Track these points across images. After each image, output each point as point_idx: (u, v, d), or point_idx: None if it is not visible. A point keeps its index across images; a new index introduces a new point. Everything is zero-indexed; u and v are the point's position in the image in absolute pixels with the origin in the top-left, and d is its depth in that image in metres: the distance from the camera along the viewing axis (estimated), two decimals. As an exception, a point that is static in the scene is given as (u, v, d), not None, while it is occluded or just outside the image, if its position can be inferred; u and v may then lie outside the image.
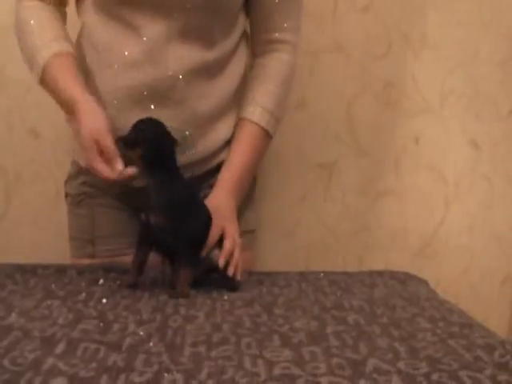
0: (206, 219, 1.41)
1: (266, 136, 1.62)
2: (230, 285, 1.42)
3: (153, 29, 1.45)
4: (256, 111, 1.59)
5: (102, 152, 1.34)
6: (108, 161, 1.34)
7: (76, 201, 1.65)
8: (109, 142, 1.34)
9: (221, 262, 1.40)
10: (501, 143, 2.09)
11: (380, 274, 1.66)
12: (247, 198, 1.68)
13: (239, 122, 1.61)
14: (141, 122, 1.35)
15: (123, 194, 1.60)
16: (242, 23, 1.61)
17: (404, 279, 1.63)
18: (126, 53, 1.46)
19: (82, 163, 1.61)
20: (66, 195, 1.70)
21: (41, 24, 1.48)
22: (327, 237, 2.09)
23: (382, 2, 2.00)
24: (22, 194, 2.02)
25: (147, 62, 1.46)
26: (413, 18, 2.00)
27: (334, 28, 1.97)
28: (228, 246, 1.43)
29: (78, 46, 1.56)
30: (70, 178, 1.69)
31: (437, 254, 2.15)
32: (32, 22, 1.48)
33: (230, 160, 1.59)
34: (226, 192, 1.55)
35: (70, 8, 1.56)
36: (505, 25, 2.04)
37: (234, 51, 1.59)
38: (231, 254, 1.43)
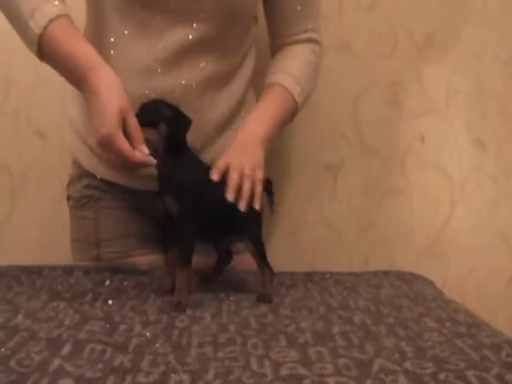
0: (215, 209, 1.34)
1: (292, 100, 1.57)
2: (261, 295, 1.37)
3: (171, 37, 1.42)
4: (279, 75, 1.57)
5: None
6: (133, 143, 1.24)
7: (79, 204, 1.64)
8: (134, 121, 1.25)
9: (229, 196, 1.32)
10: (506, 142, 2.08)
11: (386, 274, 1.66)
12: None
13: (268, 86, 1.58)
14: (152, 102, 1.32)
15: (128, 194, 1.60)
16: (253, 32, 1.61)
17: (410, 279, 1.63)
18: (140, 60, 1.43)
19: (84, 164, 1.61)
20: (69, 198, 1.69)
21: None
22: (333, 236, 2.09)
23: (387, 0, 1.99)
24: (27, 195, 2.02)
25: (161, 70, 1.43)
26: (418, 17, 2.00)
27: (340, 27, 1.97)
28: (233, 177, 1.35)
29: None
30: (73, 180, 1.67)
31: (443, 253, 2.14)
32: None
33: (256, 111, 1.53)
34: (251, 133, 1.48)
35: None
36: (510, 24, 2.04)
37: (243, 59, 1.59)
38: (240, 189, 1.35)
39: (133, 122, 1.25)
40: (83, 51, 1.29)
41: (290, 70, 1.58)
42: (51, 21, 1.27)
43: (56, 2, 1.29)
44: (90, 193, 1.62)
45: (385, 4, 1.98)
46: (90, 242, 1.62)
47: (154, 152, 1.28)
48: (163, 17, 1.41)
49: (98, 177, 1.60)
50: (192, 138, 1.38)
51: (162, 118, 1.28)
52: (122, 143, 1.22)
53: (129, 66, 1.41)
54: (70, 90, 1.58)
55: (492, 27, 2.02)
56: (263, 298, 1.34)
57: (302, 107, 1.62)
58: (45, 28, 1.27)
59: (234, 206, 1.32)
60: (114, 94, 1.25)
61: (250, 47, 1.63)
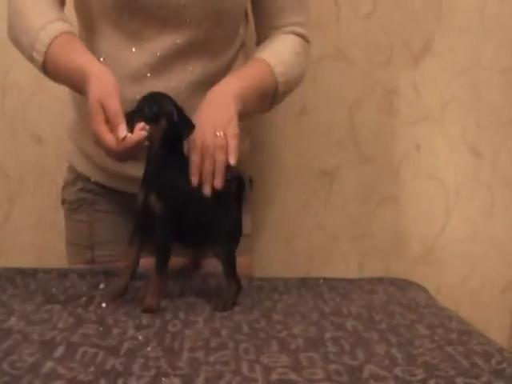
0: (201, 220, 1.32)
1: (272, 76, 1.52)
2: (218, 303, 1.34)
3: (160, 43, 1.44)
4: (263, 53, 1.54)
5: (107, 120, 1.26)
6: (112, 128, 1.25)
7: (74, 207, 1.64)
8: (114, 105, 1.25)
9: (193, 181, 1.30)
10: (502, 151, 2.09)
11: (380, 280, 1.66)
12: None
13: (252, 60, 1.55)
14: (158, 95, 1.30)
15: (122, 198, 1.60)
16: (242, 32, 1.61)
17: (403, 286, 1.63)
18: (130, 65, 1.45)
19: (79, 169, 1.62)
20: (63, 201, 1.69)
21: (39, 6, 1.41)
22: (328, 243, 2.10)
23: (384, 9, 2.00)
24: (24, 199, 2.03)
25: (150, 74, 1.45)
26: (415, 26, 2.01)
27: (337, 35, 1.98)
28: (194, 159, 1.32)
29: None
30: (68, 184, 1.68)
31: (437, 261, 2.14)
32: (28, 3, 1.42)
33: (231, 74, 1.52)
34: (226, 87, 1.44)
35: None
36: (507, 33, 2.04)
37: (233, 60, 1.59)
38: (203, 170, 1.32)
39: (111, 107, 1.25)
40: (78, 59, 1.35)
41: (276, 50, 1.56)
42: (49, 45, 1.36)
43: (50, 26, 1.38)
44: (85, 196, 1.63)
45: (381, 12, 1.99)
46: (85, 245, 1.63)
47: (149, 145, 1.27)
48: (151, 24, 1.42)
49: (92, 180, 1.61)
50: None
51: (164, 114, 1.27)
52: (100, 131, 1.25)
53: (119, 71, 1.40)
54: (67, 95, 1.60)
55: (488, 36, 2.03)
56: (220, 306, 1.31)
57: (283, 94, 1.57)
58: (45, 53, 1.36)
59: (215, 217, 1.32)
60: (96, 83, 1.29)
61: (241, 46, 1.62)
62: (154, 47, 1.44)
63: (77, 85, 1.35)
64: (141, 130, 1.23)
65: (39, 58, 1.37)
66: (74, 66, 1.34)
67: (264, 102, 1.55)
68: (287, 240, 2.09)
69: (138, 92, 1.39)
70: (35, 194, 2.00)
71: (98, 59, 1.42)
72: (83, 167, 1.62)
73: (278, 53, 1.55)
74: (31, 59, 1.39)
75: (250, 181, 1.42)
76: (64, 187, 1.70)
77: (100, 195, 1.62)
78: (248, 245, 1.75)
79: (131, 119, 1.25)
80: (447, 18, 2.01)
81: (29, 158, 2.00)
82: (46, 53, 1.36)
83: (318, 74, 1.99)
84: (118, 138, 1.23)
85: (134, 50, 1.44)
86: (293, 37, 1.60)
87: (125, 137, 1.22)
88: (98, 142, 1.27)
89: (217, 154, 1.31)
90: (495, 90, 2.07)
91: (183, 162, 1.32)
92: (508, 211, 2.13)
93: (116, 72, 1.38)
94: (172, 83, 1.45)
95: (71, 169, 1.67)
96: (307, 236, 2.09)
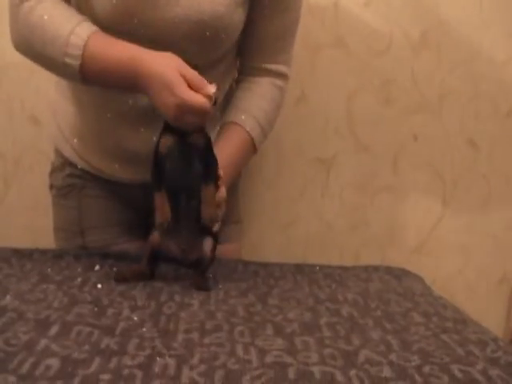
0: None
1: (253, 149, 1.57)
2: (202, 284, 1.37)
3: None
4: (249, 121, 1.54)
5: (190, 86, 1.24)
6: (197, 90, 1.23)
7: (62, 193, 1.64)
8: (192, 71, 1.24)
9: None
10: (499, 143, 2.09)
11: (376, 268, 1.67)
12: (231, 189, 1.57)
13: (229, 126, 1.54)
14: None
15: (111, 182, 1.60)
16: (234, 50, 1.58)
17: (399, 275, 1.63)
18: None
19: (66, 154, 1.62)
20: (51, 187, 1.68)
21: (60, 15, 1.33)
22: (324, 232, 2.10)
23: (383, -2, 2.00)
24: (20, 180, 2.02)
25: None
26: (414, 16, 2.00)
27: (335, 23, 1.97)
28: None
29: None
30: (55, 169, 1.67)
31: (433, 252, 2.15)
32: (46, 16, 1.31)
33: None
34: None
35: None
36: (505, 24, 2.04)
37: (223, 74, 1.57)
38: None
39: (192, 72, 1.24)
40: (123, 53, 1.30)
41: (258, 115, 1.56)
42: (84, 46, 1.29)
43: (79, 28, 1.30)
44: (74, 182, 1.62)
45: (380, 1, 1.98)
46: (74, 231, 1.62)
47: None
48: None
49: (79, 167, 1.60)
50: None
51: None
52: (189, 96, 1.22)
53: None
54: (55, 80, 1.59)
55: (487, 27, 2.03)
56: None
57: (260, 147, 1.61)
58: (82, 56, 1.29)
59: None
60: (162, 61, 1.26)
61: (233, 61, 1.60)
62: None
63: (130, 77, 1.29)
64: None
65: (75, 63, 1.30)
66: (124, 58, 1.29)
67: (245, 163, 1.63)
68: (284, 228, 2.09)
69: (128, 103, 1.43)
70: (31, 175, 2.00)
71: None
72: (70, 153, 1.61)
73: (256, 112, 1.56)
74: (64, 67, 1.32)
75: None
76: (51, 172, 1.69)
77: (88, 180, 1.62)
78: (238, 232, 1.76)
79: None
80: (446, 9, 2.01)
81: (25, 139, 1.99)
82: (82, 56, 1.29)
83: (316, 62, 1.98)
84: (208, 95, 1.23)
85: None
86: (271, 81, 1.59)
87: (214, 92, 1.23)
88: (187, 110, 1.23)
89: None
90: (493, 82, 2.06)
91: None
92: (504, 203, 2.13)
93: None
94: None
95: (58, 153, 1.66)
96: (304, 224, 2.09)
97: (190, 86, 1.23)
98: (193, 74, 1.23)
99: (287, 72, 1.61)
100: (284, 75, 1.61)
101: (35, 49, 1.34)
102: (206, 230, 1.35)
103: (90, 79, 1.33)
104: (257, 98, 1.58)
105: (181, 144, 1.30)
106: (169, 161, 1.30)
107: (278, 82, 1.60)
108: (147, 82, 1.26)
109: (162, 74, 1.23)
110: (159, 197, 1.31)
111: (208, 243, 1.36)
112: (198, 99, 1.22)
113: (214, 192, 1.32)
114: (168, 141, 1.30)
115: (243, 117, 1.54)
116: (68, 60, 1.30)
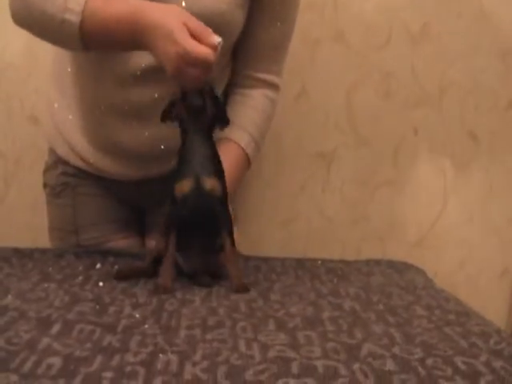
0: None
1: (248, 165, 1.59)
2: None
3: (138, 61, 1.42)
4: (244, 137, 1.55)
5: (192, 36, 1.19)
6: (202, 41, 1.18)
7: (56, 191, 1.64)
8: (196, 21, 1.20)
9: None
10: (499, 135, 2.09)
11: (377, 262, 1.67)
12: None
13: (224, 142, 1.52)
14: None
15: (104, 181, 1.60)
16: (229, 53, 1.58)
17: (401, 268, 1.63)
18: (116, 72, 1.43)
19: (59, 152, 1.62)
20: (45, 185, 1.69)
21: None
22: (325, 226, 2.10)
23: (383, -9, 2.00)
24: (20, 180, 2.03)
25: (135, 83, 1.44)
26: (414, 9, 2.00)
27: (335, 17, 1.97)
28: None
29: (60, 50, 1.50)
30: (49, 167, 1.68)
31: (434, 245, 2.14)
32: None
33: None
34: None
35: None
36: (505, 17, 2.03)
37: (220, 74, 1.57)
38: None
39: (196, 21, 1.20)
40: (124, 8, 1.24)
41: (252, 131, 1.57)
42: (85, 3, 1.25)
43: None
44: (67, 180, 1.63)
45: (380, -6, 1.98)
46: (69, 230, 1.63)
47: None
48: None
49: (71, 163, 1.61)
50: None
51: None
52: (191, 46, 1.17)
53: (105, 76, 1.43)
54: (53, 78, 1.59)
55: (487, 20, 2.02)
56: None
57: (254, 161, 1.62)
58: (83, 12, 1.25)
59: None
60: (165, 10, 1.22)
61: (228, 63, 1.60)
62: (140, 62, 1.43)
63: (131, 32, 1.24)
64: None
65: (75, 19, 1.24)
66: (125, 13, 1.24)
67: (242, 179, 1.63)
68: (284, 223, 2.09)
69: (121, 98, 1.43)
70: (31, 174, 1.99)
71: (86, 60, 1.45)
72: (63, 151, 1.62)
73: (249, 127, 1.57)
74: (63, 27, 1.26)
75: None
76: (45, 171, 1.70)
77: (82, 178, 1.62)
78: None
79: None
80: (446, 2, 2.00)
81: (25, 138, 2.00)
82: (82, 12, 1.24)
83: (316, 56, 1.98)
84: (213, 45, 1.18)
85: (119, 61, 1.43)
86: (263, 92, 1.60)
87: (220, 42, 1.19)
88: (189, 61, 1.18)
89: None
90: (493, 75, 2.06)
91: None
92: (505, 196, 2.13)
93: (101, 76, 1.43)
94: (155, 94, 1.45)
95: (51, 151, 1.67)
96: (305, 219, 2.09)
97: (194, 37, 1.18)
98: (197, 23, 1.19)
99: (279, 83, 1.63)
100: (276, 86, 1.62)
101: (34, 6, 1.28)
102: (219, 248, 1.34)
103: (89, 39, 1.28)
104: (250, 112, 1.59)
105: (196, 189, 1.28)
106: (184, 206, 1.29)
107: (270, 93, 1.61)
108: (149, 34, 1.21)
109: (163, 24, 1.19)
110: (167, 258, 1.29)
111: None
112: (202, 49, 1.17)
113: (235, 250, 1.32)
114: (185, 186, 1.28)
115: (238, 133, 1.55)
116: (68, 16, 1.24)
